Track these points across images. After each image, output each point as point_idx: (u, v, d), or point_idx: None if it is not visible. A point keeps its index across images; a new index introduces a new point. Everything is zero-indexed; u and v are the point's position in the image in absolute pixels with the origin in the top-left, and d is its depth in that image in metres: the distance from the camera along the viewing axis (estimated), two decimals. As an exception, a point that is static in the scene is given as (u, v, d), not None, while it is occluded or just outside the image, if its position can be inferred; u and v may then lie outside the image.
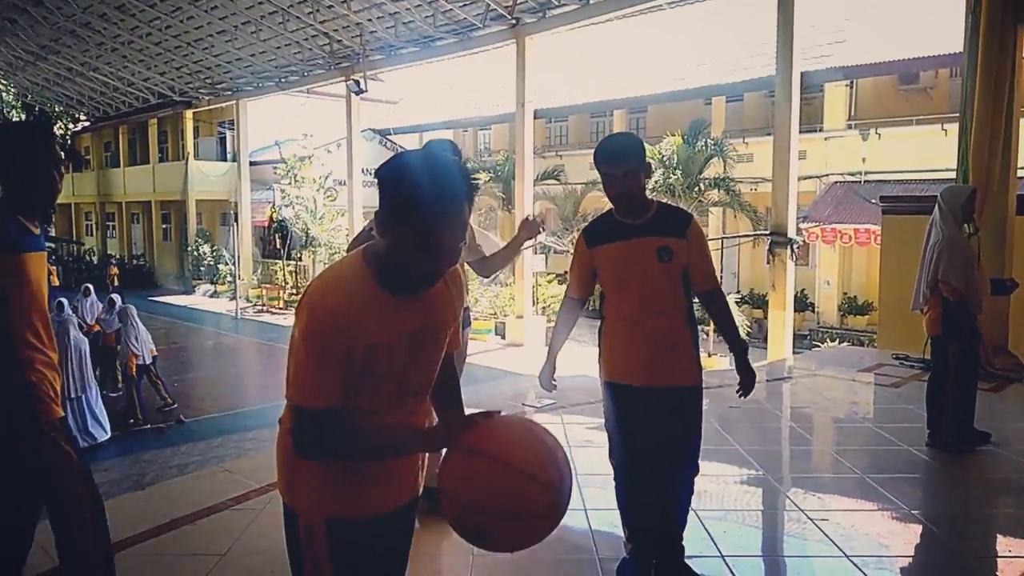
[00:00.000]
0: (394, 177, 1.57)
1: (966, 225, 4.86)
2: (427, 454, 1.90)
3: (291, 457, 1.66)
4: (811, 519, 3.66)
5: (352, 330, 1.55)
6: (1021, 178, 7.35)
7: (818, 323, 18.28)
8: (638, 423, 2.80)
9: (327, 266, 1.69)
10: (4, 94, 32.87)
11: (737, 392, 2.87)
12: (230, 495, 3.82)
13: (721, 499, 3.99)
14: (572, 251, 3.08)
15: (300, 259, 22.15)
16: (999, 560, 3.43)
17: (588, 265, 2.86)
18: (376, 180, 1.59)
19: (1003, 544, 3.62)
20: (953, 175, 7.22)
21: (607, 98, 22.29)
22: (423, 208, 1.52)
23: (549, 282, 13.92)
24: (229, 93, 23.10)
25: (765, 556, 3.49)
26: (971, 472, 4.47)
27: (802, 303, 17.36)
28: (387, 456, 1.71)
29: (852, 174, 17.68)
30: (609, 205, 2.88)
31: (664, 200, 3.02)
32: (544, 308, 12.98)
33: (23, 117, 33.97)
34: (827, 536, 3.44)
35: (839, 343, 14.00)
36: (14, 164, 2.46)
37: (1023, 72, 7.21)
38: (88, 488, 2.52)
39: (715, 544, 3.31)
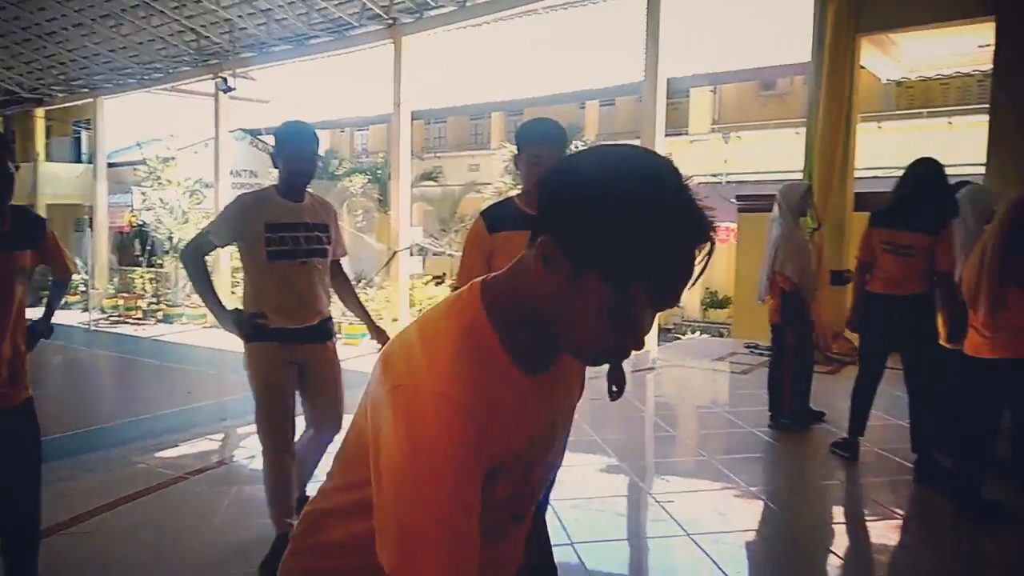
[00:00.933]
0: (618, 193, 0.87)
1: (808, 220, 5.19)
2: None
3: None
4: (659, 502, 3.82)
5: (488, 442, 0.93)
6: (859, 178, 7.96)
7: (682, 317, 19.15)
8: None
9: (421, 327, 1.02)
10: None
11: (611, 398, 2.76)
12: (61, 519, 3.56)
13: (575, 488, 4.07)
14: (463, 241, 2.78)
15: (162, 266, 21.03)
16: (827, 527, 3.71)
17: (487, 252, 2.61)
18: (561, 192, 0.91)
19: (832, 513, 3.92)
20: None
21: (486, 100, 22.49)
22: (666, 258, 0.87)
23: (426, 283, 13.85)
24: (86, 91, 21.63)
25: (612, 540, 3.60)
26: (806, 449, 4.78)
27: (666, 297, 18.06)
28: None
29: (715, 175, 18.60)
30: (490, 201, 2.77)
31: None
32: (420, 311, 12.93)
33: None
34: (672, 517, 3.58)
35: (700, 335, 14.72)
36: None
37: (861, 80, 7.83)
38: None
39: (566, 531, 3.39)
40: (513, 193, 2.81)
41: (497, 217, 2.65)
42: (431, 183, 19.93)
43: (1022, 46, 6.22)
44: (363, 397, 1.02)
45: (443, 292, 13.67)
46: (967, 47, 7.99)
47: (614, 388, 2.76)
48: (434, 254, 15.35)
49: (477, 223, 2.68)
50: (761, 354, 7.19)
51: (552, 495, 2.99)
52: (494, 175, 18.25)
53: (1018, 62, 6.27)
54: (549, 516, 3.01)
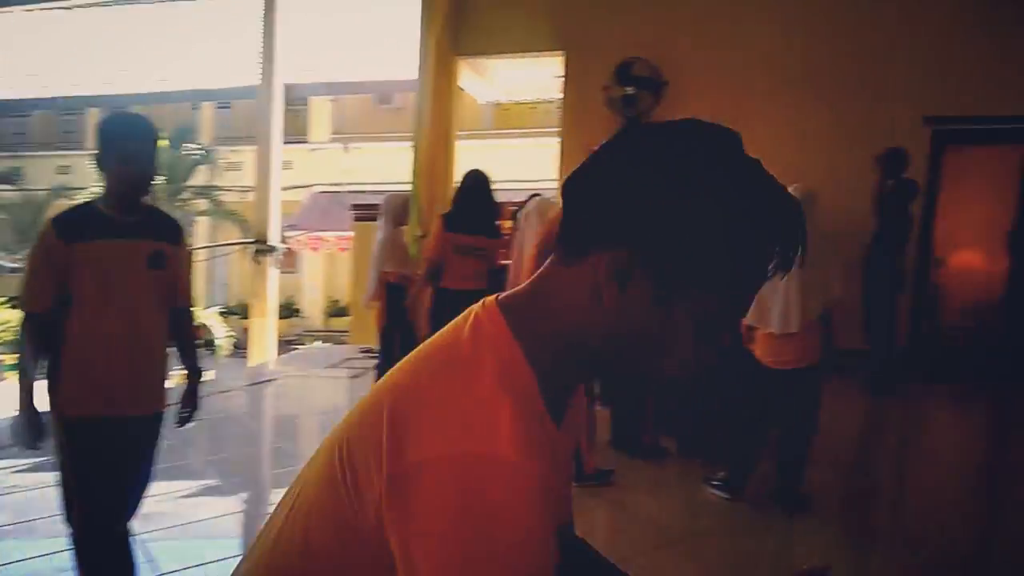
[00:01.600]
0: (720, 183, 0.71)
1: (410, 228, 5.55)
2: None
3: None
4: (263, 516, 3.70)
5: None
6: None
7: (304, 328, 19.07)
8: (112, 461, 2.36)
9: (438, 372, 0.76)
10: None
11: (177, 424, 2.60)
12: None
13: (171, 518, 3.77)
14: (31, 254, 2.38)
15: None
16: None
17: (62, 266, 2.27)
18: (636, 192, 0.72)
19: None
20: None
21: (81, 93, 19.84)
22: (767, 257, 0.73)
23: (0, 306, 11.70)
24: None
25: (195, 566, 3.40)
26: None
27: (289, 309, 17.87)
28: None
29: (335, 184, 18.83)
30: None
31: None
32: (-8, 338, 10.87)
33: None
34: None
35: (321, 343, 14.82)
36: None
37: (463, 100, 8.55)
38: None
39: (155, 564, 3.12)
40: (95, 197, 2.47)
41: (74, 225, 2.31)
42: (7, 187, 17.02)
43: (583, 79, 7.36)
44: (292, 494, 0.83)
45: (18, 316, 11.68)
46: (547, 76, 9.18)
47: (179, 422, 2.62)
48: (11, 271, 13.03)
49: (47, 233, 2.30)
50: (375, 357, 7.43)
51: (143, 527, 2.73)
52: (89, 179, 16.21)
53: (581, 92, 7.40)
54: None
